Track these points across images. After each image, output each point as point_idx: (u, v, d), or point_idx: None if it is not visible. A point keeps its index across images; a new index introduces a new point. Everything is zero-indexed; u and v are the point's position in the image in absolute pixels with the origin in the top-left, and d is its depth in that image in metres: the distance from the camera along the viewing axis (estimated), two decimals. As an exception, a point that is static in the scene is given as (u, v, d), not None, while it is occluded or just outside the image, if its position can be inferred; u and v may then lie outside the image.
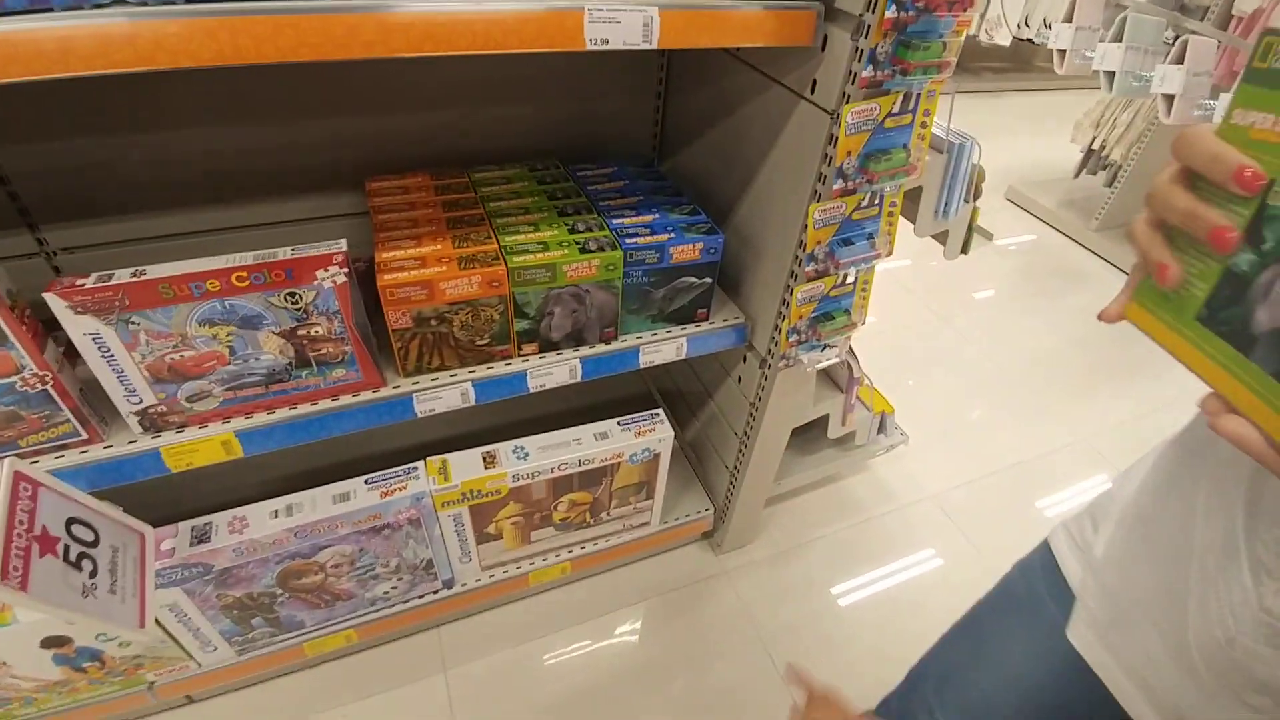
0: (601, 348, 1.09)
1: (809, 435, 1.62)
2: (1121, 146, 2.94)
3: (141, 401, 0.87)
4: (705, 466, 1.56)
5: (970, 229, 1.22)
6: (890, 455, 1.80)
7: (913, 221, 1.19)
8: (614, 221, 1.06)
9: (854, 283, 1.09)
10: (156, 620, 1.07)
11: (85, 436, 0.88)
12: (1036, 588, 0.64)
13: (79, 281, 0.77)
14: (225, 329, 0.83)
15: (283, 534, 1.03)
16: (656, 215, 1.10)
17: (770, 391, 1.20)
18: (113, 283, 0.77)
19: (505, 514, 1.21)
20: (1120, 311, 0.41)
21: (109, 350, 0.81)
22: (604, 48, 0.72)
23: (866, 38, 0.80)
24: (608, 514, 1.34)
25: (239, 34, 0.61)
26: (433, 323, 0.94)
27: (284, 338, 0.87)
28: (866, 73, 0.83)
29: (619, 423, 1.21)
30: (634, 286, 1.05)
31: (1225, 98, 2.11)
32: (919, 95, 0.90)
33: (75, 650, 1.08)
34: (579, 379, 1.08)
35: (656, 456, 1.25)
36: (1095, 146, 3.07)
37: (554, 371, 1.05)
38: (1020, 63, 5.15)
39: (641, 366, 1.13)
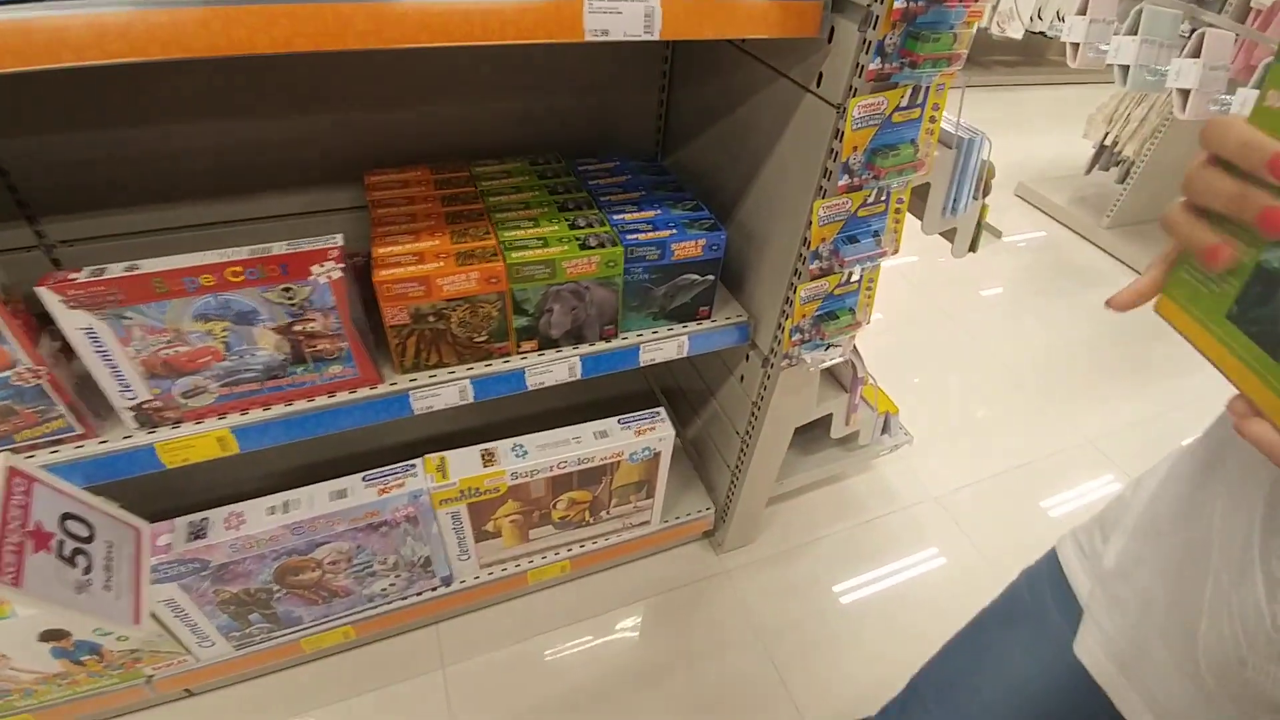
0: (601, 345, 1.07)
1: (812, 434, 1.60)
2: (1135, 142, 2.90)
3: (136, 397, 0.86)
4: (706, 465, 1.55)
5: (979, 226, 1.20)
6: (894, 455, 1.78)
7: (920, 218, 1.17)
8: (615, 217, 1.05)
9: (859, 281, 1.07)
10: (154, 615, 1.07)
11: (80, 431, 0.88)
12: (1043, 598, 0.62)
13: (72, 276, 0.76)
14: (220, 324, 0.82)
15: (279, 530, 1.03)
16: (658, 211, 1.08)
17: (773, 391, 1.19)
18: (106, 277, 0.76)
19: (504, 512, 1.20)
20: (1131, 300, 0.39)
21: (103, 345, 0.80)
22: (604, 39, 0.70)
23: (874, 29, 0.78)
24: (607, 512, 1.33)
25: (232, 24, 0.60)
26: (430, 319, 0.93)
27: (280, 333, 0.86)
28: (874, 65, 0.81)
29: (619, 421, 1.19)
30: (635, 283, 1.04)
31: (1242, 92, 2.07)
32: (928, 89, 0.88)
33: (74, 644, 1.08)
34: (578, 377, 1.07)
35: (657, 455, 1.23)
36: (1108, 142, 3.02)
37: (553, 369, 1.04)
38: (1032, 56, 5.08)
39: (642, 365, 1.11)
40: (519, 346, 1.03)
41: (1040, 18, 3.60)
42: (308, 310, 0.84)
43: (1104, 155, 3.08)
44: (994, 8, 3.63)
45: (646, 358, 1.11)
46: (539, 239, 0.97)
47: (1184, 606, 0.49)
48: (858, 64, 0.83)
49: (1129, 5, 2.12)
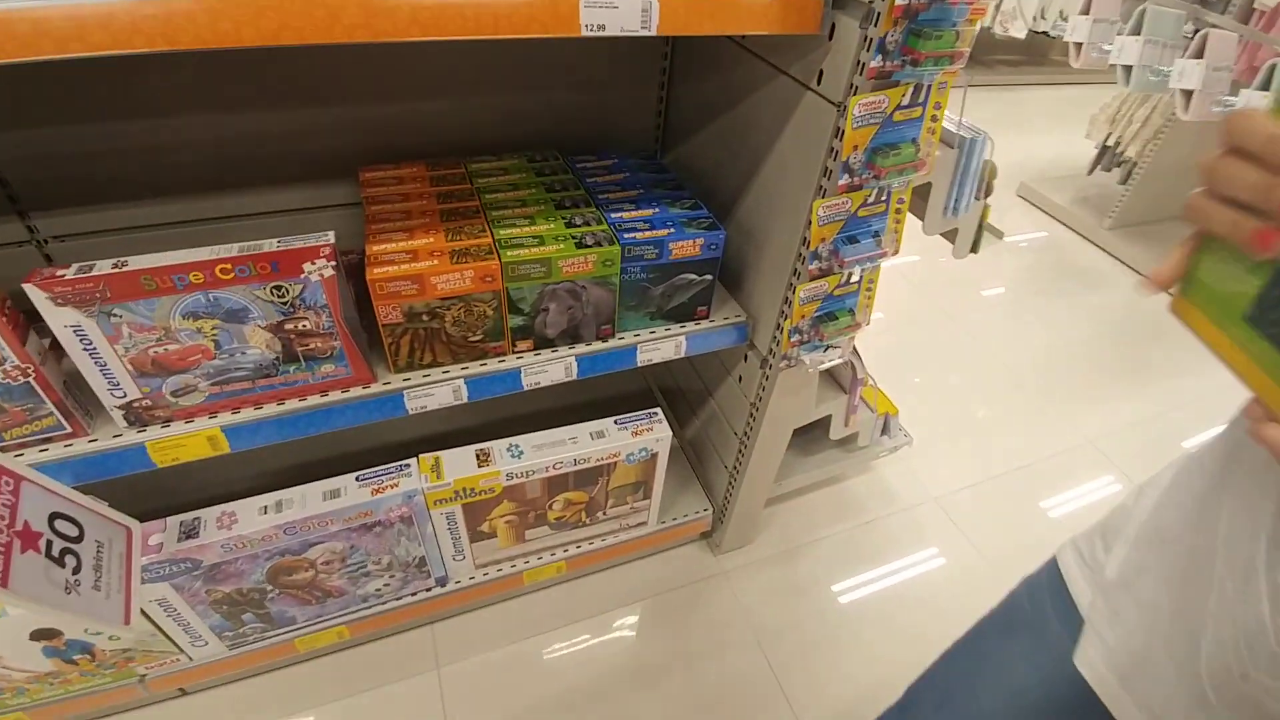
0: (598, 345, 1.06)
1: (811, 435, 1.59)
2: (1137, 143, 2.88)
3: (125, 395, 0.85)
4: (704, 465, 1.54)
5: (981, 227, 1.18)
6: (894, 456, 1.77)
7: (921, 218, 1.16)
8: (613, 215, 1.03)
9: (859, 282, 1.05)
10: (147, 615, 1.06)
11: (70, 430, 0.87)
12: (1043, 607, 0.61)
13: (59, 272, 0.75)
14: (210, 322, 0.81)
15: (272, 530, 1.02)
16: (657, 209, 1.07)
17: (771, 392, 1.17)
18: (93, 274, 0.75)
19: (499, 512, 1.19)
20: (1171, 275, 0.38)
21: (91, 343, 0.79)
22: (600, 34, 0.69)
23: (876, 26, 0.77)
24: (604, 513, 1.32)
25: (218, 17, 0.59)
26: (424, 318, 0.92)
27: (271, 332, 0.85)
28: (875, 63, 0.79)
29: (616, 421, 1.18)
30: (632, 283, 1.02)
31: (1245, 93, 2.06)
32: (930, 87, 0.86)
33: (65, 643, 1.08)
34: (575, 377, 1.06)
35: (654, 456, 1.22)
36: (1110, 143, 3.01)
37: (549, 369, 1.03)
38: (1035, 56, 5.06)
39: (639, 365, 1.10)
40: (514, 346, 1.02)
41: (1043, 17, 3.59)
42: (299, 309, 0.83)
43: (1106, 156, 3.07)
44: (997, 7, 3.61)
45: (644, 358, 1.10)
46: (535, 237, 0.96)
47: (1187, 618, 0.47)
48: (859, 61, 0.81)
49: (1132, 5, 2.10)
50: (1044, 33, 3.60)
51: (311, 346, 0.88)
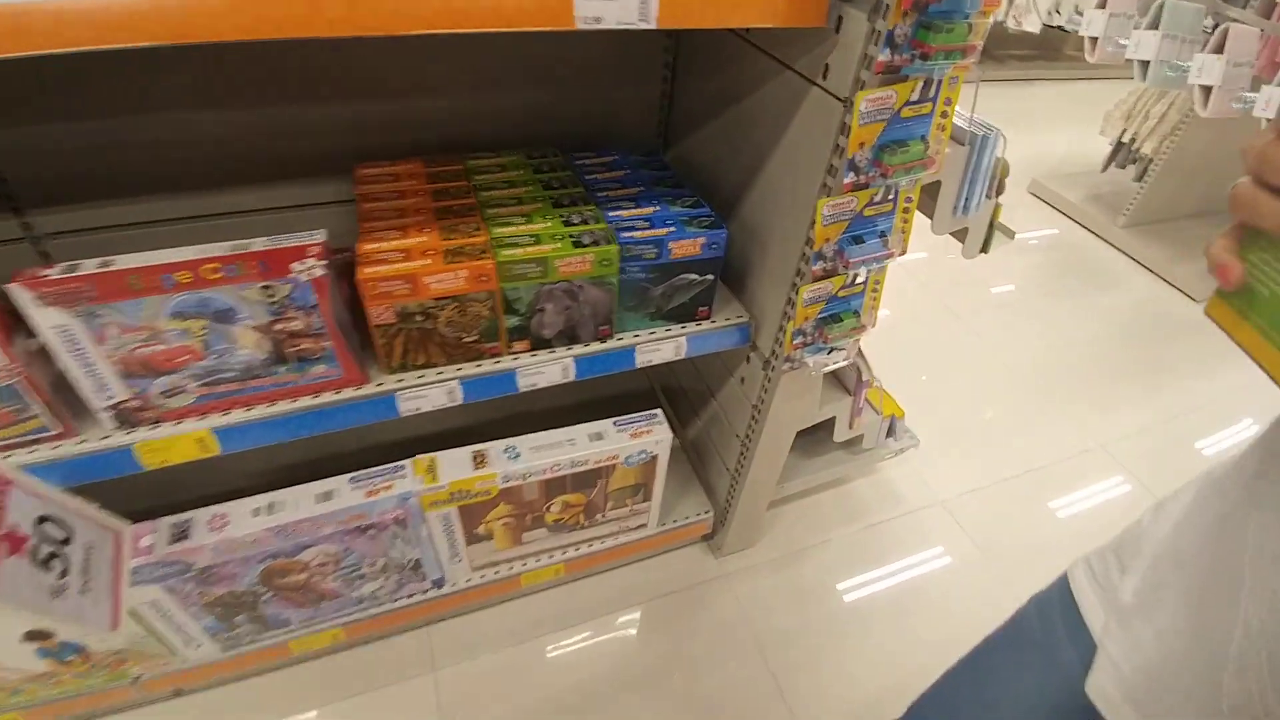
0: (596, 346, 1.04)
1: (815, 436, 1.56)
2: (1153, 140, 2.82)
3: (114, 396, 0.83)
4: (706, 467, 1.51)
5: (992, 227, 1.15)
6: (900, 457, 1.74)
7: (930, 217, 1.13)
8: (611, 214, 1.01)
9: (864, 283, 1.03)
10: (139, 617, 1.05)
11: (58, 431, 0.85)
12: (1053, 628, 0.58)
13: (44, 272, 0.73)
14: (198, 323, 0.80)
15: (264, 533, 1.00)
16: (657, 207, 1.04)
17: (773, 394, 1.15)
18: (79, 273, 0.73)
19: (496, 515, 1.17)
20: (1239, 270, 0.35)
21: (78, 344, 0.77)
22: (596, 27, 0.66)
23: (884, 18, 0.74)
24: (603, 516, 1.30)
25: (194, 11, 0.57)
26: (417, 318, 0.90)
27: (260, 332, 0.83)
28: (883, 56, 0.76)
29: (615, 423, 1.16)
30: (631, 283, 1.00)
31: (1267, 90, 2.00)
32: (940, 82, 0.83)
33: (58, 644, 1.07)
34: (572, 379, 1.03)
35: (654, 459, 1.20)
36: (1125, 139, 2.95)
37: (545, 370, 1.01)
38: (1049, 51, 4.98)
39: (638, 366, 1.08)
40: (510, 347, 1.00)
41: (1058, 11, 3.52)
42: (289, 309, 0.81)
43: (1121, 152, 3.01)
44: (1010, 1, 3.55)
45: (643, 359, 1.07)
46: (531, 236, 0.94)
47: (1208, 645, 0.45)
48: (866, 55, 0.78)
49: (1150, -2, 2.05)
50: (1058, 27, 3.53)
51: (302, 347, 0.86)
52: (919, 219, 1.05)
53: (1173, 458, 1.94)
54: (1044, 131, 3.92)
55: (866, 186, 0.90)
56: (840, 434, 1.46)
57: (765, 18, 0.77)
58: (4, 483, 0.75)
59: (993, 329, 2.40)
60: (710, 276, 1.05)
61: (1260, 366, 0.34)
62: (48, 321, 0.75)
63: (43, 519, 0.79)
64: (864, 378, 1.38)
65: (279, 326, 0.83)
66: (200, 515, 1.00)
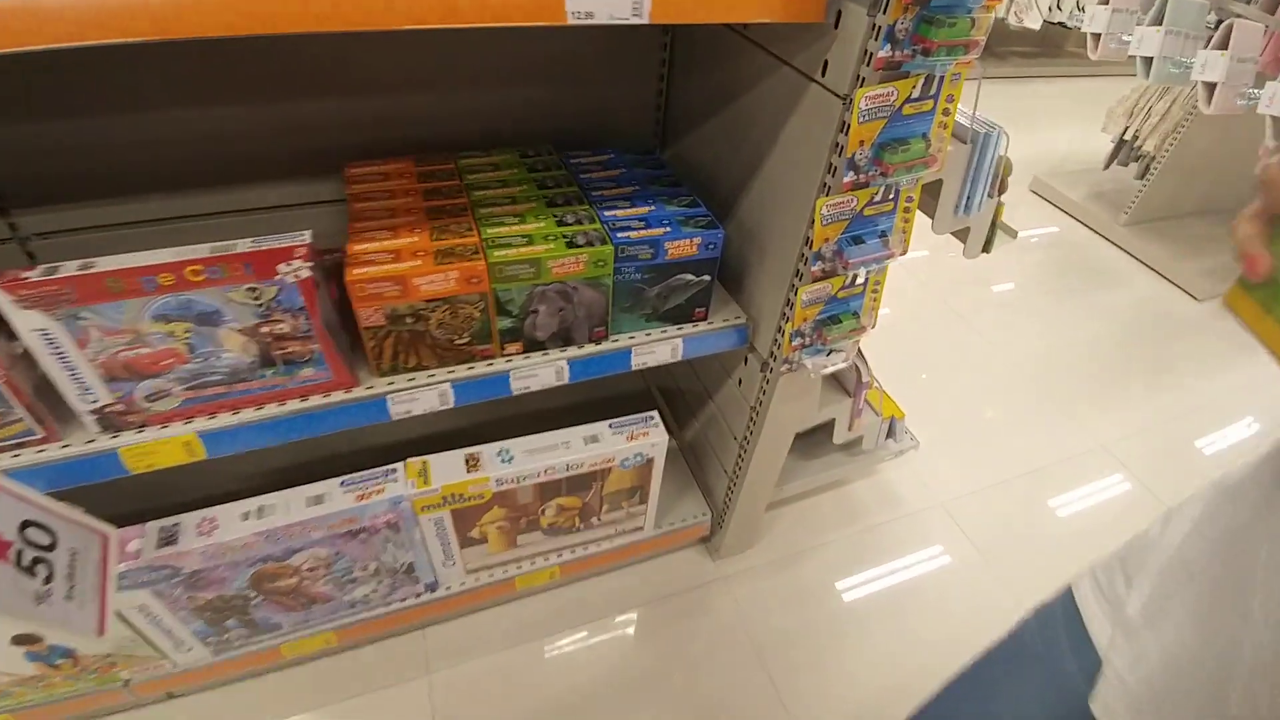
0: (591, 348, 1.02)
1: (814, 438, 1.54)
2: (1156, 137, 2.80)
3: (97, 400, 0.82)
4: (704, 469, 1.50)
5: (994, 226, 1.13)
6: (900, 458, 1.72)
7: (931, 216, 1.11)
8: (606, 213, 0.99)
9: (864, 284, 1.01)
10: (128, 621, 1.03)
11: (42, 435, 0.84)
12: (1056, 642, 0.57)
13: (24, 274, 0.71)
14: (182, 325, 0.78)
15: (253, 538, 0.98)
16: (653, 207, 1.02)
17: (772, 396, 1.13)
18: (59, 276, 0.71)
19: (489, 518, 1.15)
20: (1268, 260, 0.33)
21: (59, 347, 0.76)
22: (588, 22, 0.64)
23: (885, 12, 0.72)
24: (599, 519, 1.28)
25: (177, 6, 0.55)
26: (408, 320, 0.88)
27: (246, 335, 0.81)
28: (884, 52, 0.75)
29: (610, 425, 1.14)
30: (626, 284, 0.98)
31: (1271, 86, 1.98)
32: (942, 79, 0.81)
33: (47, 648, 1.06)
34: (566, 381, 1.02)
35: (650, 461, 1.19)
36: (1128, 137, 2.93)
37: (539, 373, 0.99)
38: (1050, 47, 4.95)
39: (634, 368, 1.06)
40: (503, 349, 0.98)
41: (1059, 7, 3.50)
42: (275, 311, 0.80)
43: (1123, 150, 2.98)
44: (1010, -3, 3.52)
45: (638, 361, 1.05)
46: (524, 236, 0.92)
47: (1217, 662, 0.43)
48: (866, 51, 0.76)
49: (1153, -6, 2.03)
50: (1060, 24, 3.51)
51: (289, 350, 0.84)
52: (919, 218, 1.03)
53: (1173, 457, 1.93)
54: (1045, 129, 3.90)
55: (866, 185, 0.88)
56: (839, 436, 1.45)
57: (762, 12, 0.75)
58: (-14, 488, 0.74)
59: (993, 328, 2.38)
60: (707, 277, 1.03)
61: (1272, 352, 0.32)
62: (28, 324, 0.73)
63: (26, 524, 0.77)
64: (863, 379, 1.36)
65: (265, 329, 0.81)
66: (188, 519, 0.99)
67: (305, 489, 1.02)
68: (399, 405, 0.93)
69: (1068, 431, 1.98)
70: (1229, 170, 2.86)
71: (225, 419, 0.88)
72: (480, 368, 0.97)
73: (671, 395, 1.68)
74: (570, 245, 0.91)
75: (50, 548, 0.81)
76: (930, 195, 1.08)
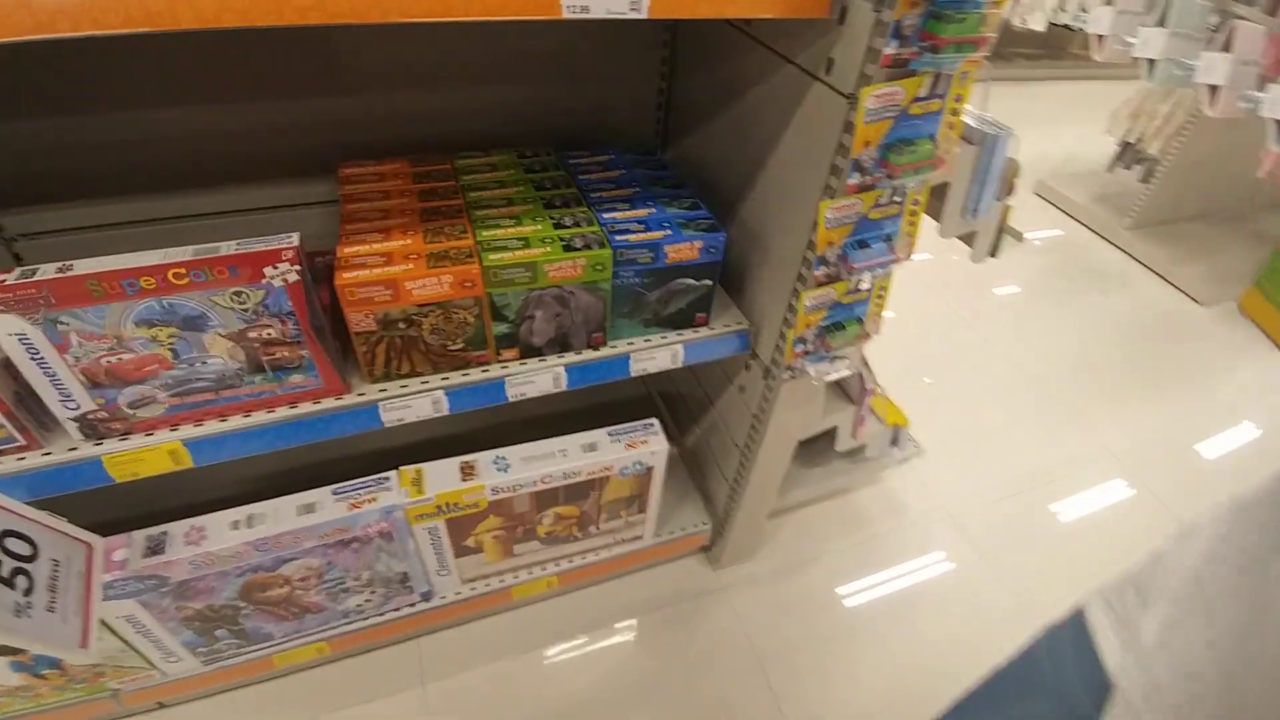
0: (589, 354, 1.00)
1: (817, 446, 1.52)
2: (1160, 139, 2.78)
3: (79, 407, 0.79)
4: (704, 476, 1.47)
5: (1000, 230, 1.11)
6: (904, 465, 1.70)
7: (938, 220, 1.08)
8: (605, 216, 0.97)
9: (869, 289, 0.98)
10: (115, 631, 1.01)
11: (22, 443, 0.81)
12: (1064, 668, 0.54)
13: (0, 277, 0.69)
14: (166, 330, 0.75)
15: (242, 547, 0.96)
16: (653, 209, 1.00)
17: (774, 403, 1.11)
18: (36, 279, 0.69)
19: (485, 527, 1.13)
20: None
21: (37, 352, 0.73)
22: (583, 15, 0.62)
23: (891, 8, 0.69)
24: (597, 528, 1.26)
25: (153, -4, 0.53)
26: (400, 325, 0.86)
27: (233, 340, 0.79)
28: (890, 50, 0.72)
29: (609, 433, 1.12)
30: (625, 288, 0.96)
31: (1274, 89, 1.96)
32: (950, 78, 0.79)
33: (33, 658, 1.03)
34: (563, 388, 0.99)
35: (650, 470, 1.16)
36: (1131, 139, 2.90)
37: (535, 380, 0.96)
38: (1054, 49, 4.93)
39: (633, 375, 1.03)
40: (499, 355, 0.96)
41: (1063, 9, 3.47)
42: (262, 316, 0.77)
43: (1127, 152, 2.96)
44: (1015, -2, 3.50)
45: (638, 368, 1.03)
46: (520, 239, 0.89)
47: (1237, 692, 0.41)
48: (872, 48, 0.74)
49: (1157, -5, 2.01)
50: (1064, 25, 3.48)
51: (278, 356, 0.82)
52: (926, 222, 1.01)
53: (1176, 462, 1.90)
54: (1049, 131, 3.87)
55: (872, 188, 0.85)
56: (843, 443, 1.42)
57: (763, 8, 0.73)
58: (-37, 498, 0.71)
59: (996, 331, 2.36)
60: (708, 282, 1.01)
61: None
62: (4, 329, 0.70)
63: (6, 534, 0.75)
64: (868, 386, 1.34)
65: (253, 334, 0.79)
66: (176, 528, 0.96)
67: (296, 497, 1.00)
68: (391, 413, 0.91)
69: (1071, 435, 1.96)
70: (1233, 174, 2.84)
71: (212, 426, 0.85)
72: (475, 374, 0.94)
73: (672, 400, 1.65)
74: (568, 248, 0.89)
75: (31, 558, 0.79)
76: (937, 198, 1.06)
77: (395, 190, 1.00)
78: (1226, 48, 1.92)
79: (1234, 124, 2.12)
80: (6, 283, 0.68)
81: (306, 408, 0.88)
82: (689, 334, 1.06)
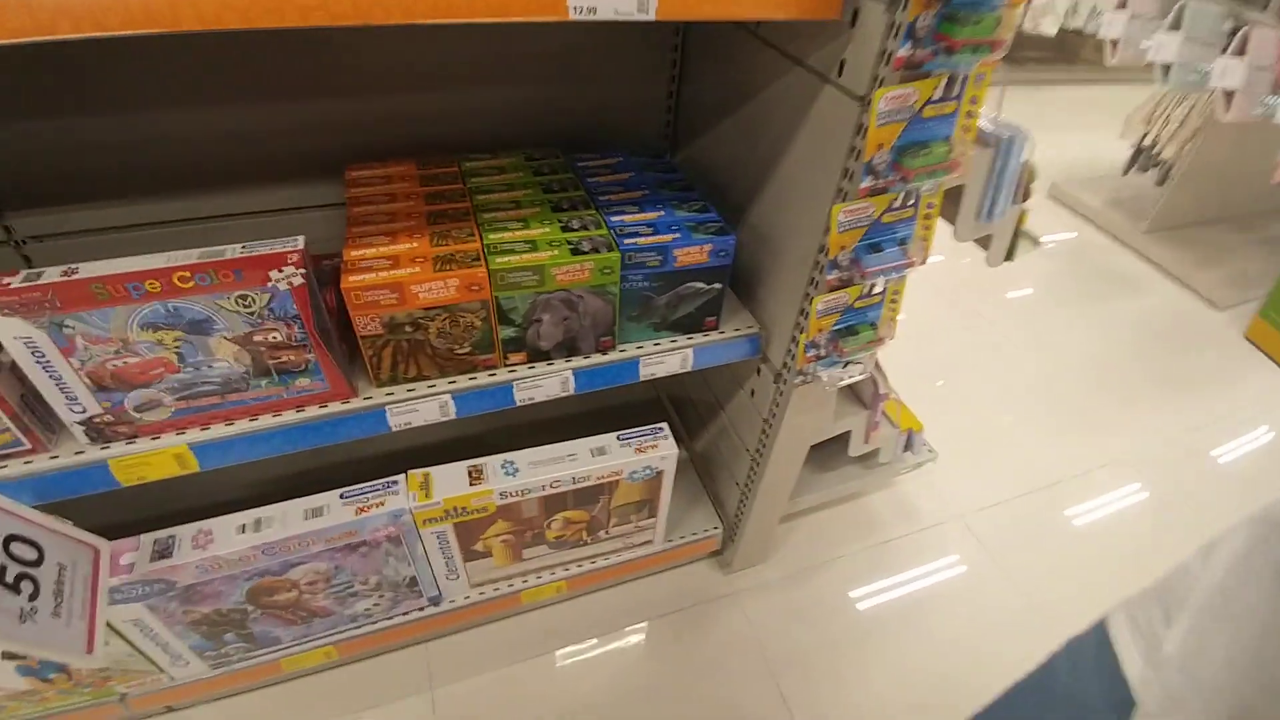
0: (597, 358, 0.99)
1: (829, 450, 1.50)
2: (1174, 144, 2.74)
3: (85, 410, 0.79)
4: (715, 480, 1.46)
5: (1017, 234, 1.09)
6: (917, 470, 1.67)
7: (952, 223, 1.07)
8: (613, 219, 0.96)
9: (882, 294, 0.97)
10: (121, 633, 1.01)
11: (29, 446, 0.81)
12: (1086, 681, 0.53)
13: (4, 280, 0.69)
14: (171, 334, 0.75)
15: (250, 551, 0.96)
16: (662, 212, 0.99)
17: (785, 408, 1.09)
18: (41, 282, 0.69)
19: (494, 532, 1.12)
20: None
21: (43, 355, 0.73)
22: (591, 17, 0.61)
23: (904, 9, 0.68)
24: (606, 532, 1.24)
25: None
26: (406, 329, 0.85)
27: (239, 344, 0.78)
28: (904, 51, 0.71)
29: (619, 437, 1.11)
30: (633, 292, 0.95)
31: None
32: (965, 79, 0.78)
33: (39, 662, 1.03)
34: (571, 393, 0.98)
35: (659, 474, 1.15)
36: (1146, 143, 2.87)
37: (543, 384, 0.95)
38: (1066, 54, 4.89)
39: (642, 379, 1.02)
40: (506, 359, 0.95)
41: (1076, 13, 3.44)
42: (268, 319, 0.77)
43: (1142, 156, 2.93)
44: (1028, 2, 3.47)
45: (646, 372, 1.02)
46: (527, 242, 0.88)
47: (1259, 709, 0.40)
48: (884, 50, 0.73)
49: (1171, 1, 1.99)
50: (1077, 30, 3.45)
51: (284, 359, 0.81)
52: (941, 225, 0.99)
53: (1190, 467, 1.87)
54: (1063, 134, 3.83)
55: (885, 191, 0.84)
56: (856, 448, 1.40)
57: (773, 10, 0.72)
58: (-32, 501, 0.71)
59: (1010, 335, 2.33)
60: (718, 285, 1.00)
61: None
62: (9, 332, 0.70)
63: (11, 538, 0.75)
64: (881, 390, 1.32)
65: (259, 338, 0.78)
66: (183, 532, 0.96)
67: (303, 501, 0.99)
68: (398, 417, 0.90)
69: (1085, 440, 1.93)
70: (1249, 178, 2.80)
71: (218, 430, 0.85)
72: (482, 378, 0.94)
73: (682, 404, 1.64)
74: (575, 252, 0.88)
75: (36, 563, 0.79)
76: (951, 201, 1.04)
77: (401, 193, 0.99)
78: (1241, 52, 1.90)
79: (1248, 128, 2.09)
80: (11, 286, 0.68)
81: (313, 411, 0.87)
82: (699, 338, 1.05)
